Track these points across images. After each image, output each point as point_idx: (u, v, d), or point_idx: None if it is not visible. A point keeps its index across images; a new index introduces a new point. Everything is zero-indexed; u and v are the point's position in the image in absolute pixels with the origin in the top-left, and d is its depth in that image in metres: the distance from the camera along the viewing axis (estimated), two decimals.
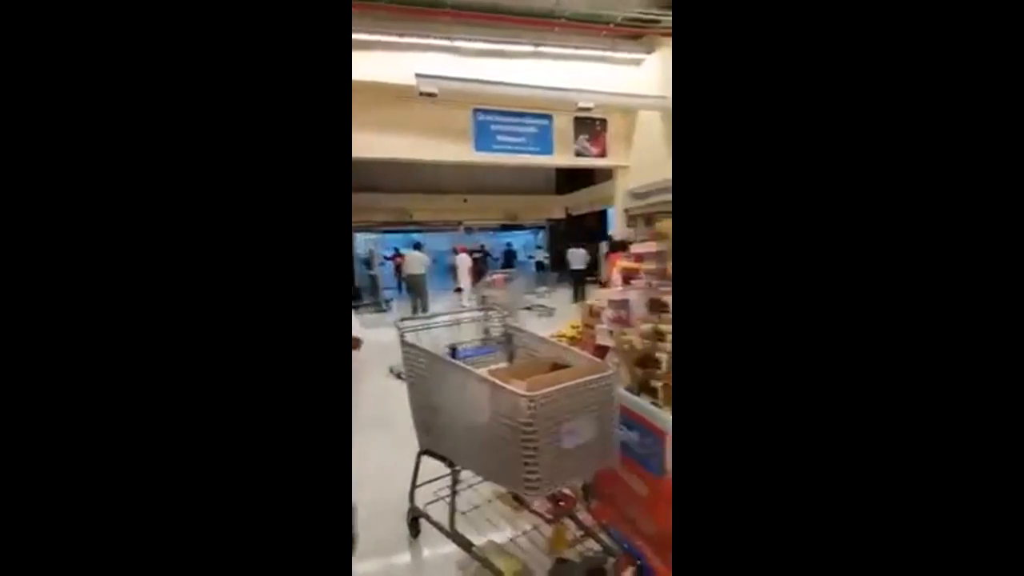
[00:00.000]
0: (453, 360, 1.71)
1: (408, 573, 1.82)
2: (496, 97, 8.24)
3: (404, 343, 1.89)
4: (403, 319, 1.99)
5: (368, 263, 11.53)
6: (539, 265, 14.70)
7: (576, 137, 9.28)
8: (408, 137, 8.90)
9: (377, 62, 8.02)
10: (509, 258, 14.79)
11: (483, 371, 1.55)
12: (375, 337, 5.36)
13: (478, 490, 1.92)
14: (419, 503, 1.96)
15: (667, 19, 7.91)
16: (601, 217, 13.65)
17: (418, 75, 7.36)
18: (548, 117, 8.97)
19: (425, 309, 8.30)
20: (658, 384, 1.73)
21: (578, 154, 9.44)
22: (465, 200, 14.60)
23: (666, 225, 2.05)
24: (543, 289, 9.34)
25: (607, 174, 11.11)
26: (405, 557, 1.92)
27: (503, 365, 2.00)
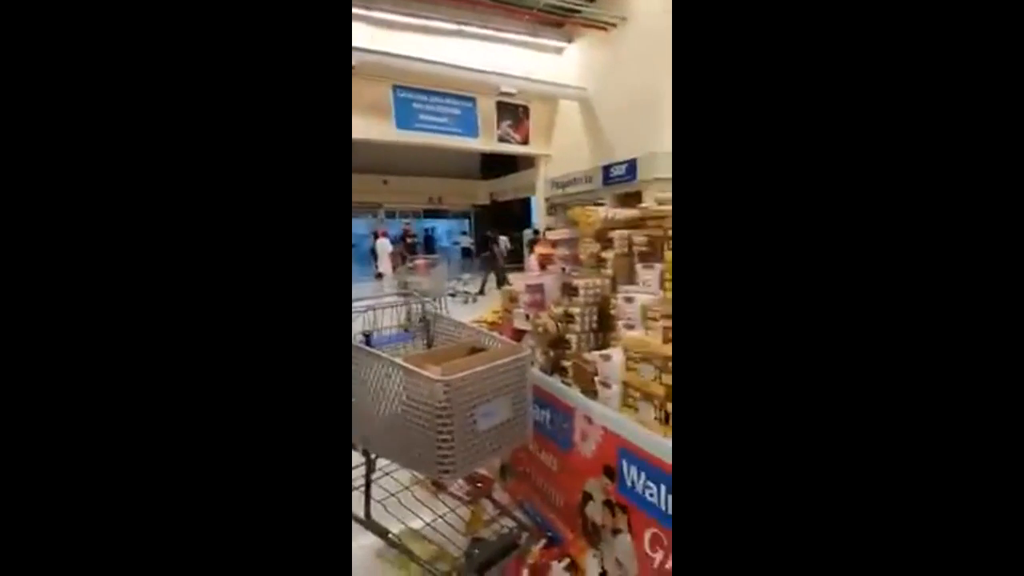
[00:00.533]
0: (367, 347, 1.67)
1: None
2: (418, 75, 7.97)
3: (355, 347, 1.80)
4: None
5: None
6: (465, 251, 14.62)
7: (499, 123, 9.29)
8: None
9: None
10: (430, 243, 14.55)
11: (398, 358, 1.53)
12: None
13: (396, 477, 1.91)
14: None
15: (587, 9, 8.09)
16: (526, 205, 13.85)
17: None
18: (472, 100, 8.87)
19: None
20: (567, 364, 1.82)
21: (501, 140, 9.47)
22: (385, 182, 14.05)
23: (577, 213, 2.13)
24: (467, 276, 9.33)
25: (530, 162, 11.27)
26: None
27: (421, 351, 1.99)
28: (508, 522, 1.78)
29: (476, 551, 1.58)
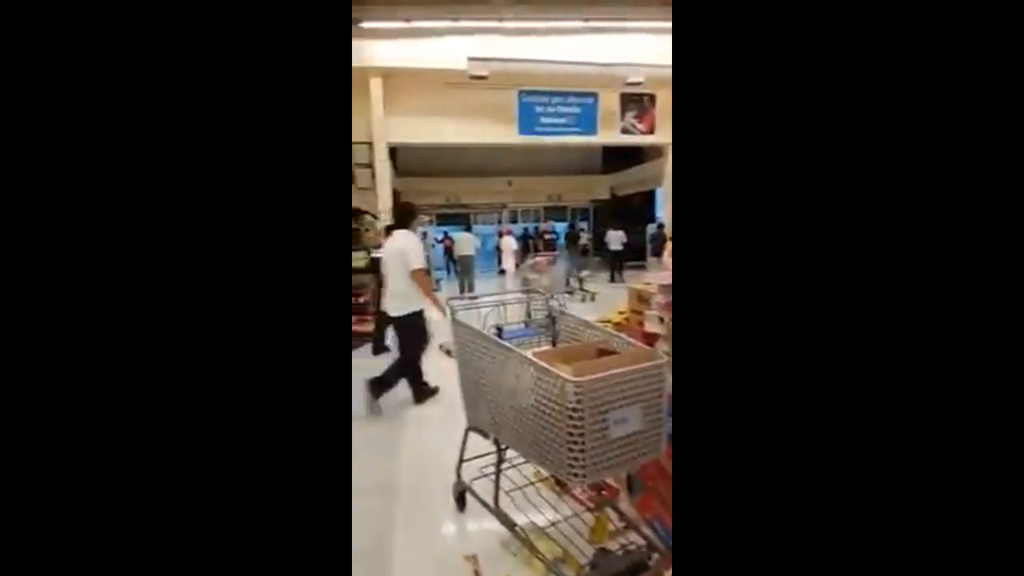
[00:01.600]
0: (500, 340, 1.72)
1: (454, 543, 1.87)
2: (546, 76, 8.06)
3: (455, 322, 1.91)
4: (452, 298, 2.01)
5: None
6: (583, 249, 14.49)
7: (623, 114, 8.95)
8: (457, 122, 8.92)
9: (429, 49, 8.03)
10: (549, 241, 14.69)
11: (528, 353, 1.55)
12: (427, 315, 5.42)
13: (522, 470, 1.95)
14: (465, 478, 2.00)
15: None
16: (649, 198, 13.19)
17: (470, 58, 7.33)
18: (594, 95, 8.69)
19: (471, 289, 8.44)
20: None
21: (624, 131, 9.11)
22: (510, 183, 14.54)
23: None
24: (586, 273, 9.22)
25: (658, 151, 10.69)
26: (451, 528, 1.98)
27: (547, 348, 1.99)
28: (635, 538, 1.69)
29: (603, 563, 1.53)
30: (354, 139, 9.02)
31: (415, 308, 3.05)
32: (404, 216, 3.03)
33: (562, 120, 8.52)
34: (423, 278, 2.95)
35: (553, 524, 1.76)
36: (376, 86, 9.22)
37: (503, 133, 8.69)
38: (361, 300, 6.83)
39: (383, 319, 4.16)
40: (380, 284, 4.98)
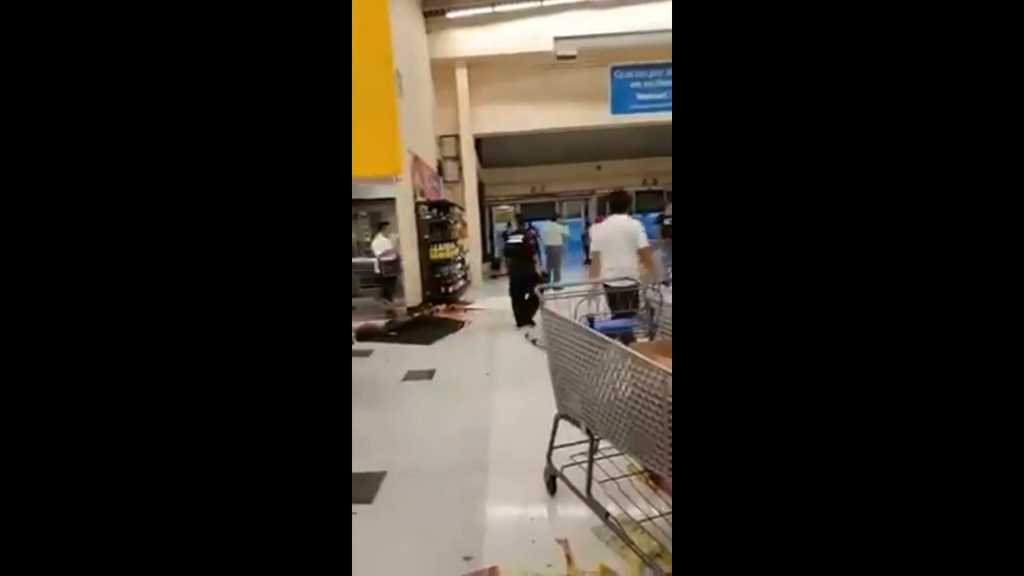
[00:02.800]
0: (592, 330, 1.70)
1: (544, 527, 1.91)
2: (639, 49, 7.66)
3: (544, 311, 1.93)
4: (543, 287, 2.03)
5: (506, 236, 12.16)
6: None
7: None
8: (543, 107, 8.84)
9: (515, 33, 8.03)
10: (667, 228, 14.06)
11: (623, 345, 1.51)
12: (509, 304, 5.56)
13: (615, 462, 1.92)
14: (556, 464, 2.02)
15: None
16: None
17: (556, 38, 7.20)
18: None
19: (557, 278, 8.42)
20: None
21: None
22: (599, 167, 14.15)
23: None
24: None
25: None
26: (542, 511, 2.02)
27: (644, 340, 1.93)
28: None
29: None
30: (440, 132, 9.36)
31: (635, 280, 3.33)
32: (621, 204, 3.58)
33: (660, 95, 8.02)
34: (648, 254, 3.46)
35: (648, 518, 1.72)
36: (462, 77, 9.43)
37: (593, 115, 8.46)
38: (451, 290, 7.17)
39: (520, 297, 5.24)
40: (512, 268, 5.48)
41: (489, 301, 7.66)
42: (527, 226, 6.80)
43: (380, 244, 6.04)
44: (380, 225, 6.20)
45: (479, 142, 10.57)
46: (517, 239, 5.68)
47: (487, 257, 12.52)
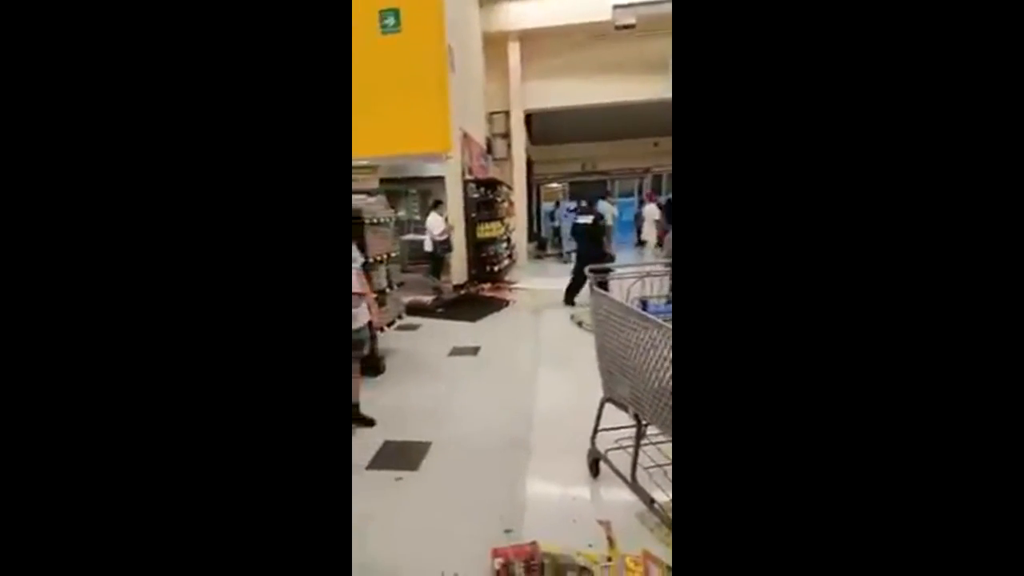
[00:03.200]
0: (643, 312, 1.64)
1: (586, 508, 1.91)
2: None
3: (594, 292, 1.89)
4: (594, 268, 1.98)
5: (552, 215, 12.04)
6: None
7: None
8: (597, 81, 8.54)
9: (570, 4, 7.72)
10: None
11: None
12: (558, 285, 5.61)
13: (661, 449, 1.87)
14: (600, 447, 2.01)
15: None
16: None
17: (615, 7, 6.87)
18: None
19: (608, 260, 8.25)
20: None
21: None
22: (656, 144, 13.53)
23: None
24: None
25: None
26: (584, 492, 2.02)
27: None
28: None
29: None
30: (490, 109, 9.26)
31: None
32: None
33: None
34: None
35: None
36: (514, 51, 9.23)
37: (652, 88, 8.07)
38: (496, 269, 7.21)
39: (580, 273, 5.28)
40: (580, 249, 5.54)
41: (534, 281, 7.65)
42: (576, 205, 6.67)
43: (436, 223, 6.07)
44: (435, 204, 6.26)
45: (529, 118, 10.39)
46: (586, 219, 5.60)
47: (533, 237, 12.44)
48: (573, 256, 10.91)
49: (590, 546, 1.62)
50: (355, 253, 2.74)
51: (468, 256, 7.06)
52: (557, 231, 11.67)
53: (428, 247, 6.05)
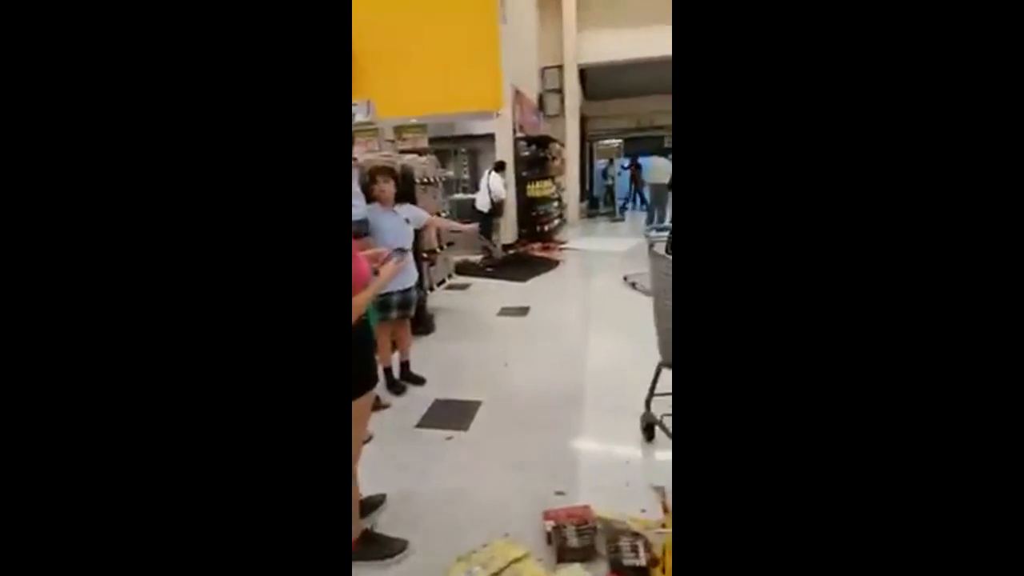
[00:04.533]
0: None
1: (639, 470, 1.86)
2: None
3: (653, 253, 1.76)
4: (651, 228, 1.85)
5: (605, 173, 11.58)
6: None
7: None
8: (655, 32, 7.90)
9: None
10: None
11: None
12: (611, 247, 5.47)
13: None
14: (655, 412, 1.94)
15: None
16: None
17: None
18: None
19: (662, 220, 7.88)
20: None
21: None
22: None
23: None
24: None
25: None
26: (637, 453, 1.98)
27: None
28: None
29: None
30: (543, 64, 8.83)
31: None
32: None
33: None
34: None
35: None
36: (569, 1, 8.68)
37: None
38: (546, 228, 7.07)
39: None
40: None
41: (584, 241, 7.45)
42: (631, 162, 6.37)
43: (498, 185, 5.96)
44: (499, 165, 6.14)
45: (583, 73, 9.87)
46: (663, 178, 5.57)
47: (585, 195, 12.07)
48: (624, 214, 10.56)
49: (643, 511, 1.58)
50: (415, 211, 2.73)
51: (518, 215, 6.97)
52: (610, 189, 11.25)
53: (482, 206, 5.97)
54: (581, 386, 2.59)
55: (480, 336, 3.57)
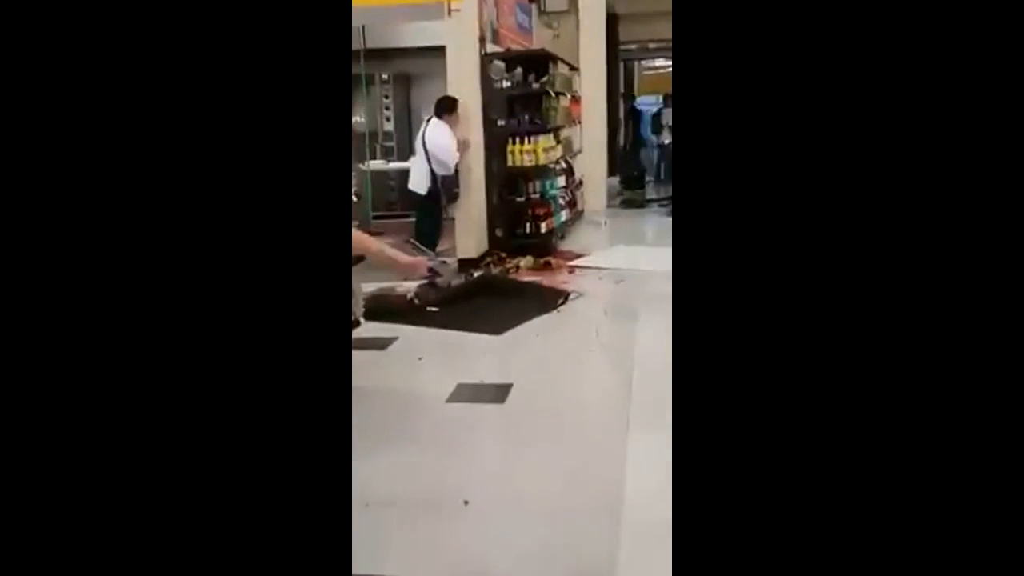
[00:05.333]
0: None
1: None
2: None
3: None
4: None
5: (657, 123, 7.81)
6: None
7: None
8: None
9: None
10: None
11: None
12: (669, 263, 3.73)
13: None
14: None
15: None
16: None
17: None
18: None
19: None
20: None
21: None
22: None
23: None
24: None
25: None
26: None
27: None
28: None
29: None
30: None
31: None
32: None
33: None
34: None
35: None
36: None
37: None
38: (545, 228, 4.86)
39: None
40: None
41: (619, 254, 4.14)
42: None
43: (443, 140, 3.54)
44: (442, 103, 3.62)
45: None
46: None
47: (621, 164, 6.89)
48: None
49: None
50: None
51: (489, 203, 3.97)
52: (665, 153, 6.54)
53: (417, 185, 3.72)
54: (613, 556, 1.33)
55: (410, 445, 1.92)
